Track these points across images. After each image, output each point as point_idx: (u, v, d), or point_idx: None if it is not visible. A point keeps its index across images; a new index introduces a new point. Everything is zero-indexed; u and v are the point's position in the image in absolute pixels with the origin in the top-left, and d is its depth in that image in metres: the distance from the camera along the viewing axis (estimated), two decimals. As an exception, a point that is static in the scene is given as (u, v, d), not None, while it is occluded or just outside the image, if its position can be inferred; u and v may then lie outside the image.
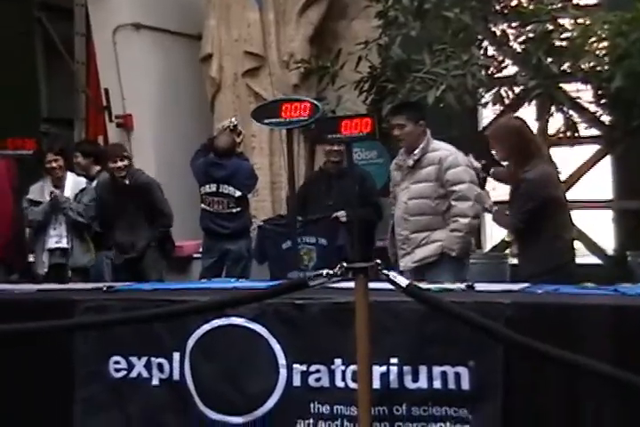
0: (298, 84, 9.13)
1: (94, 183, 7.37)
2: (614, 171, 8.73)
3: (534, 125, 9.08)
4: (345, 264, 2.94)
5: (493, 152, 4.91)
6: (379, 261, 2.89)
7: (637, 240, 7.68)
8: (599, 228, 8.71)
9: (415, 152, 5.27)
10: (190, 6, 10.02)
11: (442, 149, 5.32)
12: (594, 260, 8.55)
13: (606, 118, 8.22)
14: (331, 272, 2.95)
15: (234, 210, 7.21)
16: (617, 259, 8.23)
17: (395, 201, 5.47)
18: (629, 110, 7.38)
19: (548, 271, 4.48)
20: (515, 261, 8.26)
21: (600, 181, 8.77)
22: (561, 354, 2.88)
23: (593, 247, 8.49)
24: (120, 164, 6.93)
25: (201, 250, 7.62)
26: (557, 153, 8.00)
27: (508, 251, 8.09)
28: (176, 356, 3.95)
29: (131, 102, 9.70)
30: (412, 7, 7.54)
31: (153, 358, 3.98)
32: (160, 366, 3.98)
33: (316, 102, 5.18)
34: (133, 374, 4.01)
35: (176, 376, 3.95)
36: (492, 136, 4.91)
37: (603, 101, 7.78)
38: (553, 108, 7.90)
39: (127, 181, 6.95)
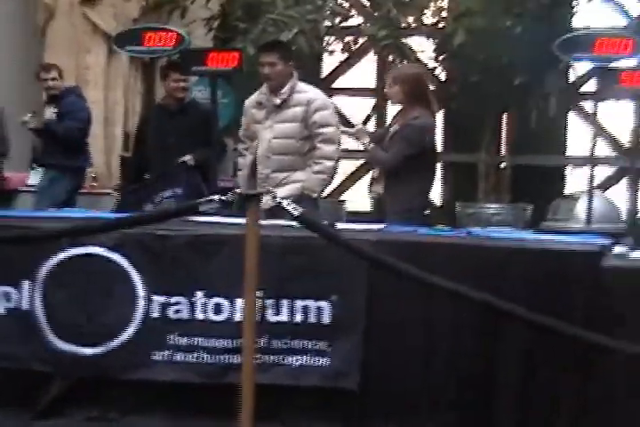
0: (138, 17, 8.84)
1: None
2: (444, 125, 9.03)
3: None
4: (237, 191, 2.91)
5: (389, 94, 4.98)
6: (271, 188, 2.88)
7: (465, 192, 8.03)
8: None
9: (282, 91, 5.20)
10: None
11: (309, 91, 5.29)
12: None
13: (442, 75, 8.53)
14: (223, 198, 2.92)
15: None
16: (445, 210, 8.58)
17: (246, 140, 5.43)
18: (468, 66, 7.66)
19: (407, 211, 4.73)
20: (350, 207, 8.54)
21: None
22: (420, 274, 3.03)
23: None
24: None
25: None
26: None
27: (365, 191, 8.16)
28: (25, 284, 3.79)
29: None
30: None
31: (-1, 287, 3.82)
32: (7, 295, 3.81)
33: (182, 33, 5.00)
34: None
35: (25, 306, 3.80)
36: (395, 78, 4.99)
37: (442, 57, 8.05)
38: (394, 60, 8.11)
39: None
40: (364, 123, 5.15)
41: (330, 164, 5.22)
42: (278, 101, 5.20)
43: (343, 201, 8.64)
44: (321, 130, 5.18)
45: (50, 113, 6.78)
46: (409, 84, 4.91)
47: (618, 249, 3.82)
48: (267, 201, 3.28)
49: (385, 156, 4.92)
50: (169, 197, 5.79)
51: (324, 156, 5.20)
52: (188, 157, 5.96)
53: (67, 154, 6.73)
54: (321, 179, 5.23)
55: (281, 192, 5.06)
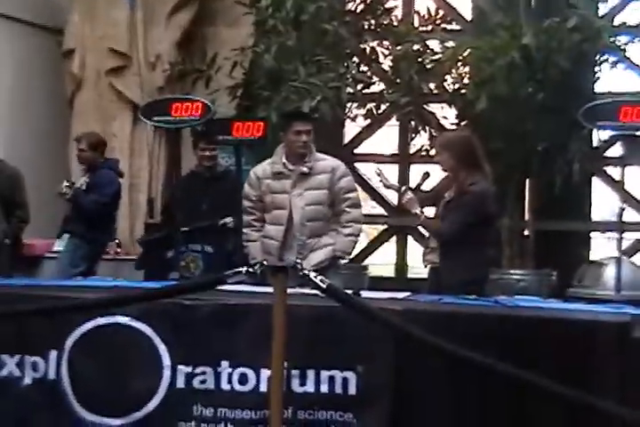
0: (163, 86, 8.99)
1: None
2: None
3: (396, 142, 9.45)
4: (265, 263, 2.93)
5: (439, 161, 4.88)
6: (297, 260, 2.90)
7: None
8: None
9: (307, 159, 5.34)
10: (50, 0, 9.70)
11: (329, 159, 5.46)
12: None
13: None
14: (250, 270, 2.93)
15: None
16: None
17: (256, 212, 5.46)
18: (489, 133, 7.68)
19: (467, 284, 4.50)
20: (373, 273, 8.52)
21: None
22: (447, 346, 2.97)
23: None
24: None
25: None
26: (419, 170, 8.30)
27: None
28: (53, 354, 3.79)
29: (-17, 92, 9.25)
30: (288, 17, 7.63)
31: (27, 357, 3.81)
32: (34, 365, 3.81)
33: (207, 103, 5.10)
34: (4, 372, 3.83)
35: (51, 375, 3.80)
36: (443, 145, 4.92)
37: (464, 123, 8.09)
38: (416, 126, 8.19)
39: None
40: (417, 188, 5.07)
41: (359, 226, 5.46)
42: (306, 170, 5.32)
43: (366, 266, 8.62)
44: (348, 195, 5.39)
45: (81, 182, 6.83)
46: (458, 150, 4.77)
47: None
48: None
49: (441, 226, 4.77)
50: (196, 251, 5.86)
51: (353, 219, 5.40)
52: (228, 219, 5.99)
53: (89, 224, 6.74)
54: (353, 241, 5.46)
55: (316, 257, 5.30)
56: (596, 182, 8.71)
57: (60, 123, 9.15)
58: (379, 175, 5.25)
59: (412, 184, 5.40)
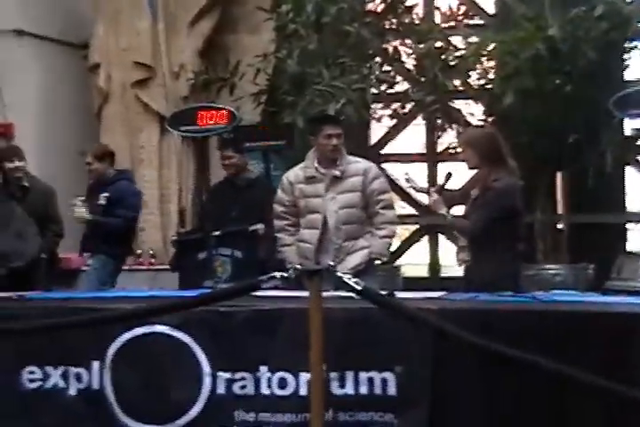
0: (187, 95, 9.04)
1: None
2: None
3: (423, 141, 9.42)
4: (299, 267, 2.94)
5: (464, 159, 4.88)
6: (332, 263, 2.90)
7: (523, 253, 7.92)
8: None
9: (339, 163, 5.35)
10: (74, 15, 9.81)
11: (361, 161, 5.46)
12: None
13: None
14: (285, 275, 2.94)
15: None
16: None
17: (289, 217, 5.47)
18: (517, 127, 7.64)
19: (499, 280, 4.48)
20: (408, 273, 8.51)
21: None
22: (488, 344, 2.95)
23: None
24: (18, 164, 6.52)
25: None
26: (447, 168, 8.27)
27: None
28: (95, 365, 3.83)
29: (12, 110, 9.36)
30: (309, 21, 7.64)
31: (71, 368, 3.85)
32: (78, 376, 3.85)
33: (233, 110, 5.11)
34: (49, 384, 3.87)
35: (95, 386, 3.83)
36: (467, 142, 4.95)
37: (491, 119, 8.05)
38: (443, 124, 8.16)
39: (26, 184, 6.57)
40: (442, 188, 5.02)
41: (394, 228, 5.48)
42: (338, 173, 5.33)
43: (399, 267, 8.61)
44: (381, 197, 5.38)
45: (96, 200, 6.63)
46: (482, 146, 4.76)
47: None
48: (342, 270, 3.28)
49: (466, 224, 4.77)
50: (226, 255, 5.89)
51: (388, 220, 5.40)
52: (259, 226, 6.01)
53: (111, 242, 6.61)
54: (388, 243, 5.47)
55: (353, 260, 5.32)
56: (630, 172, 8.62)
57: (89, 136, 9.23)
58: (407, 181, 5.24)
59: (440, 183, 5.35)
